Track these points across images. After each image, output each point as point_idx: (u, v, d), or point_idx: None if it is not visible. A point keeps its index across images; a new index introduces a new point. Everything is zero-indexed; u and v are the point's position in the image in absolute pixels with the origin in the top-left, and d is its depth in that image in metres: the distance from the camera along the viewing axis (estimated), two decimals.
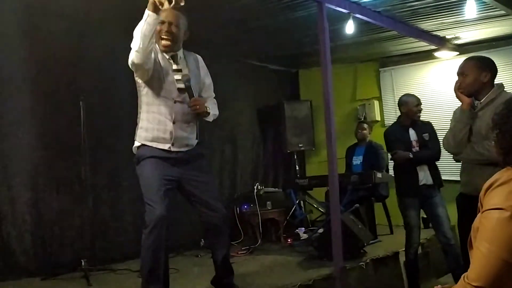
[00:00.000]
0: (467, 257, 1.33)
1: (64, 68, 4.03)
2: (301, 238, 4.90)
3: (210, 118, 2.79)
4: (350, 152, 5.51)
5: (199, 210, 2.78)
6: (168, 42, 2.62)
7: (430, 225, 5.26)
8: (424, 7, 4.05)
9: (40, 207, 3.89)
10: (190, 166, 2.66)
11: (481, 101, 2.52)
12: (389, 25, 4.34)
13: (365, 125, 5.51)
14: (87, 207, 3.96)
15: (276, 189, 5.54)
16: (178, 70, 2.68)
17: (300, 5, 3.90)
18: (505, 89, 2.56)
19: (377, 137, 5.78)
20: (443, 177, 3.93)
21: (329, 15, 3.62)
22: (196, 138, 2.78)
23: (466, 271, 1.22)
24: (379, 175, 4.82)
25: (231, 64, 5.57)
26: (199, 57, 2.87)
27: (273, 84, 6.23)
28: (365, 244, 4.02)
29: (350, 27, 3.99)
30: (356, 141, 5.54)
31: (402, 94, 4.01)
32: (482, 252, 1.14)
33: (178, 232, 4.78)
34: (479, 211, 1.26)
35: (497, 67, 2.68)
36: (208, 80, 2.87)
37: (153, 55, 2.55)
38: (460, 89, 2.57)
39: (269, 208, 5.04)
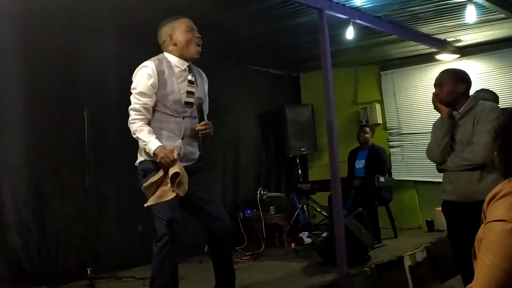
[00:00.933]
0: (465, 266, 1.34)
1: (67, 77, 4.06)
2: (305, 243, 4.90)
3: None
4: (353, 155, 5.52)
5: (204, 220, 2.81)
6: (200, 49, 2.62)
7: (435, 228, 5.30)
8: (424, 12, 4.07)
9: (45, 215, 3.91)
10: (193, 180, 2.60)
11: (460, 110, 2.65)
12: (389, 29, 4.35)
13: (367, 129, 5.51)
14: (92, 216, 3.98)
15: (279, 193, 5.55)
16: (192, 82, 2.66)
17: (301, 11, 3.93)
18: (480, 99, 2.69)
19: (379, 140, 5.80)
20: None
21: (330, 21, 3.64)
22: (199, 151, 2.80)
23: (466, 279, 1.23)
24: (381, 179, 4.83)
25: (233, 69, 5.59)
26: (203, 74, 2.85)
27: (275, 88, 6.25)
28: (369, 249, 4.01)
29: (350, 33, 4.01)
30: (358, 144, 5.55)
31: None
32: (486, 264, 1.15)
33: (182, 238, 4.79)
34: (482, 222, 1.26)
35: (499, 69, 2.78)
36: (207, 97, 2.84)
37: (156, 78, 2.55)
38: (437, 100, 2.70)
39: (272, 213, 5.04)
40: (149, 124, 2.59)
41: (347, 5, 3.78)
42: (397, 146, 5.94)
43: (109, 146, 4.33)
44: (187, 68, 2.62)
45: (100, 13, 3.66)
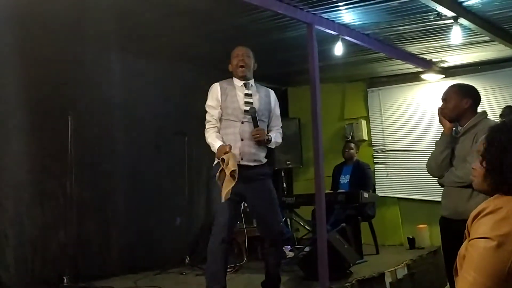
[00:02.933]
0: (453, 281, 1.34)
1: (52, 82, 4.01)
2: (287, 257, 4.87)
3: (272, 145, 3.19)
4: (338, 170, 5.54)
5: (257, 223, 3.38)
6: (243, 69, 3.16)
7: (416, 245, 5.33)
8: (411, 32, 4.14)
9: (23, 222, 3.83)
10: (254, 184, 3.06)
11: (463, 126, 2.61)
12: (377, 47, 4.42)
13: (352, 145, 5.55)
14: (72, 223, 3.91)
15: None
16: (249, 95, 3.16)
17: (290, 25, 3.96)
18: (487, 117, 2.64)
19: (364, 156, 5.84)
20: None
21: (319, 36, 3.68)
22: (266, 157, 3.17)
23: None
24: (365, 194, 4.85)
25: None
26: (271, 91, 3.35)
27: None
28: (351, 264, 4.01)
29: (339, 49, 4.06)
30: (343, 160, 5.58)
31: None
32: (468, 281, 1.15)
33: (163, 249, 4.74)
34: (465, 238, 1.27)
35: (482, 91, 2.76)
36: (277, 111, 3.32)
37: (219, 94, 3.14)
38: (442, 114, 2.67)
39: (255, 225, 5.00)
40: (218, 131, 3.12)
41: (336, 22, 3.83)
42: (382, 163, 5.99)
43: (92, 152, 4.27)
44: (243, 85, 3.18)
45: (89, 19, 3.64)
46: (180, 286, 3.94)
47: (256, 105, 3.12)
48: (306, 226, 5.52)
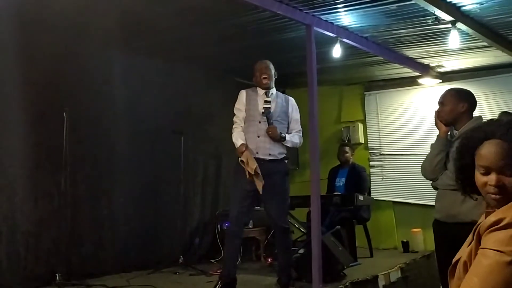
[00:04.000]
0: (447, 285, 1.33)
1: (48, 77, 3.99)
2: None
3: (288, 143, 3.60)
4: (333, 173, 5.54)
5: (266, 214, 3.70)
6: (267, 80, 3.60)
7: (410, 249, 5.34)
8: (409, 35, 4.16)
9: (16, 218, 3.80)
10: (269, 180, 3.41)
11: (459, 130, 2.63)
12: (375, 50, 4.43)
13: (347, 148, 5.53)
14: (65, 220, 3.89)
15: (258, 207, 5.50)
16: (268, 101, 3.60)
17: (289, 27, 3.97)
18: (483, 121, 2.64)
19: (360, 159, 5.84)
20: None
21: (317, 38, 3.69)
22: (283, 154, 3.57)
23: None
24: (361, 197, 4.85)
25: (219, 81, 5.60)
26: (291, 98, 3.77)
27: None
28: (345, 267, 4.01)
29: (337, 51, 4.06)
30: (339, 162, 5.58)
31: None
32: (479, 282, 1.13)
33: (157, 249, 4.72)
34: (470, 242, 1.23)
35: (478, 96, 2.77)
36: (296, 115, 3.72)
37: (244, 99, 3.66)
38: (439, 118, 2.69)
39: (250, 226, 5.00)
40: (242, 130, 3.59)
41: (335, 24, 3.84)
42: (377, 166, 6.00)
43: (87, 150, 4.26)
44: (264, 93, 3.64)
45: (88, 15, 3.63)
46: (173, 286, 3.92)
47: (272, 109, 3.58)
48: (300, 228, 5.51)
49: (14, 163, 3.82)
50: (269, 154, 3.51)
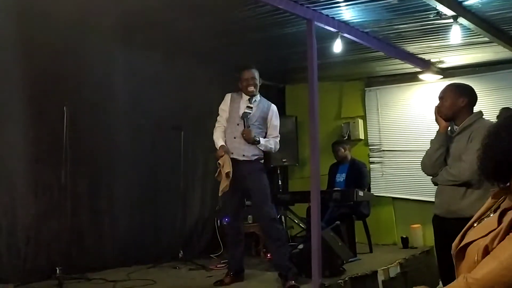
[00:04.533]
0: (447, 280, 1.32)
1: (49, 72, 3.98)
2: None
3: (261, 147, 3.73)
4: (333, 169, 5.54)
5: (252, 209, 4.02)
6: (252, 89, 3.79)
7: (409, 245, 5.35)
8: (410, 30, 4.14)
9: (16, 211, 3.80)
10: (249, 178, 3.67)
11: (459, 126, 2.62)
12: (376, 46, 4.41)
13: (339, 146, 5.49)
14: (66, 214, 3.89)
15: (249, 202, 5.51)
16: (250, 107, 3.78)
17: (290, 21, 3.95)
18: (483, 117, 2.64)
19: (360, 155, 5.84)
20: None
21: (318, 33, 3.67)
22: (256, 156, 3.72)
23: None
24: (360, 193, 4.85)
25: (219, 76, 5.58)
26: (273, 106, 3.92)
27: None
28: (344, 262, 4.01)
29: (338, 46, 4.05)
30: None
31: None
32: (495, 264, 1.12)
33: (157, 243, 4.73)
34: (493, 229, 1.21)
35: (479, 92, 2.77)
36: (275, 122, 3.86)
37: (229, 101, 3.85)
38: (439, 113, 2.68)
39: (250, 222, 5.00)
40: (224, 130, 3.80)
41: (336, 18, 3.82)
42: (377, 162, 6.00)
43: (87, 144, 4.25)
44: (248, 100, 3.81)
45: (88, 10, 3.62)
46: (173, 280, 3.93)
47: (253, 114, 3.74)
48: (300, 224, 5.52)
49: (14, 157, 3.82)
50: (243, 155, 3.69)
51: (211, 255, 4.96)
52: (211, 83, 5.48)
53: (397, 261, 4.45)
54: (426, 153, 2.73)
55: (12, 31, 3.79)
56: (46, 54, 3.95)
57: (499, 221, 1.21)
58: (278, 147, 3.85)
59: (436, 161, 2.62)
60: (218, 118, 3.87)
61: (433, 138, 2.73)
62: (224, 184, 3.54)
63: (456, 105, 2.61)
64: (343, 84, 6.22)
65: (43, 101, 3.95)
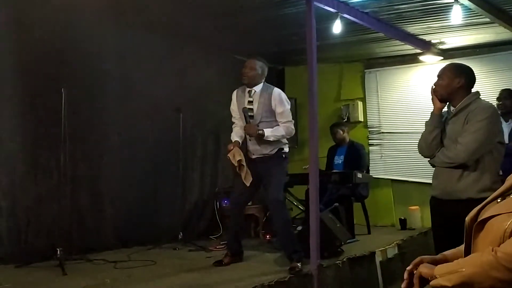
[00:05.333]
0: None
1: (46, 55, 3.94)
2: None
3: (269, 138, 3.63)
4: (332, 151, 5.54)
5: (264, 194, 3.88)
6: (244, 77, 3.70)
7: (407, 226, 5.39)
8: (411, 11, 4.10)
9: (16, 194, 3.82)
10: (262, 166, 3.66)
11: (456, 107, 2.58)
12: (376, 26, 4.37)
13: (337, 129, 5.47)
14: (65, 196, 3.91)
15: None
16: (250, 102, 3.73)
17: (289, 1, 3.91)
18: (480, 97, 2.61)
19: (360, 137, 5.84)
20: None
21: (317, 14, 3.63)
22: (275, 149, 3.68)
23: None
24: (359, 175, 4.87)
25: (218, 57, 5.55)
26: (275, 91, 3.74)
27: None
28: (343, 243, 4.05)
29: (337, 27, 4.01)
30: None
31: None
32: None
33: (157, 224, 4.77)
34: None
35: (479, 73, 2.73)
36: (279, 109, 3.69)
37: (235, 99, 3.83)
38: (434, 93, 2.63)
39: (249, 204, 5.02)
40: (240, 128, 3.78)
41: None
42: (377, 144, 6.01)
43: (86, 126, 4.25)
44: (248, 92, 3.76)
45: None
46: (173, 261, 3.97)
47: (255, 111, 3.69)
48: (299, 206, 5.55)
49: (13, 139, 3.82)
50: (263, 154, 3.69)
51: (211, 237, 5.01)
52: (210, 65, 5.45)
53: (395, 242, 4.49)
54: (422, 135, 2.71)
55: (8, 13, 3.75)
56: (43, 36, 3.91)
57: None
58: (291, 131, 3.71)
59: (432, 142, 2.60)
60: (232, 119, 3.89)
61: (427, 120, 2.71)
62: (243, 174, 3.57)
63: (452, 86, 2.55)
64: (343, 66, 6.19)
65: (41, 83, 3.93)
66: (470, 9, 3.84)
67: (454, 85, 2.56)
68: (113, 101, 4.55)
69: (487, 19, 4.15)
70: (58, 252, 3.56)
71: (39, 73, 3.91)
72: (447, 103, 2.64)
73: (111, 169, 4.52)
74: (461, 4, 3.64)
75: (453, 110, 2.61)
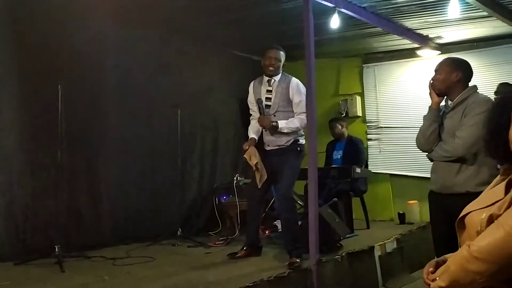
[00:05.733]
0: (442, 255, 1.33)
1: (43, 50, 3.92)
2: (279, 230, 4.90)
3: (283, 130, 3.65)
4: (331, 146, 5.54)
5: (274, 189, 3.93)
6: (272, 70, 3.72)
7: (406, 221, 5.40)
8: (408, 5, 4.09)
9: (14, 191, 3.81)
10: (277, 159, 3.68)
11: (453, 101, 2.59)
12: (374, 21, 4.36)
13: (336, 123, 5.48)
14: (63, 193, 3.90)
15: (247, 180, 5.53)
16: (269, 91, 3.75)
17: None
18: (477, 91, 2.61)
19: (358, 132, 5.84)
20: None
21: (315, 9, 3.61)
22: (290, 141, 3.68)
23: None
24: (358, 170, 4.87)
25: (216, 54, 5.53)
26: (293, 80, 3.75)
27: (257, 75, 6.18)
28: (342, 238, 4.05)
29: (335, 22, 3.99)
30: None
31: None
32: (500, 232, 1.11)
33: (156, 221, 4.76)
34: (499, 199, 1.20)
35: (477, 67, 2.73)
36: (296, 99, 3.69)
37: (252, 91, 3.84)
38: (432, 87, 2.64)
39: (245, 200, 5.02)
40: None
41: None
42: (375, 139, 6.00)
43: (83, 122, 4.23)
44: (267, 82, 3.78)
45: None
46: (172, 257, 3.97)
47: (272, 100, 3.70)
48: (298, 201, 5.54)
49: (10, 136, 3.81)
50: (277, 146, 3.70)
51: (210, 233, 5.01)
52: (208, 61, 5.43)
53: (393, 237, 4.50)
54: (419, 129, 2.71)
55: (5, 9, 3.72)
56: (40, 32, 3.89)
57: (507, 191, 1.21)
58: (306, 123, 3.67)
59: (430, 137, 2.61)
60: (250, 111, 3.90)
61: (425, 114, 2.71)
62: (258, 176, 3.64)
63: (449, 79, 2.57)
64: (341, 61, 6.17)
65: (37, 79, 3.91)
66: (467, 3, 3.83)
67: (452, 79, 2.57)
68: (110, 97, 4.53)
69: (485, 13, 4.14)
70: (56, 249, 3.56)
71: (35, 69, 3.90)
72: (445, 97, 2.64)
73: (109, 166, 4.51)
74: None
75: (450, 104, 2.62)
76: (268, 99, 3.72)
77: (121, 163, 4.58)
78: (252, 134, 3.77)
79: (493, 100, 2.47)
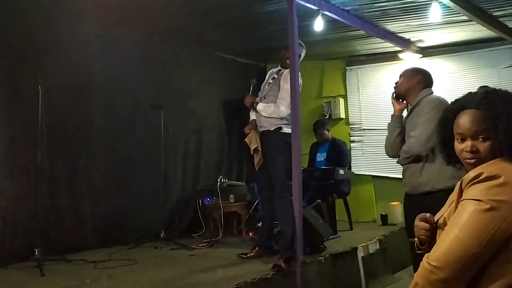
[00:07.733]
0: (418, 258, 1.34)
1: (21, 50, 3.85)
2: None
3: (261, 112, 3.79)
4: (314, 148, 5.56)
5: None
6: (289, 62, 3.68)
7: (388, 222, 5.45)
8: (391, 8, 4.14)
9: None
10: (267, 153, 3.77)
11: (412, 104, 2.70)
12: (357, 24, 4.40)
13: (324, 130, 5.48)
14: (43, 195, 3.83)
15: (240, 182, 5.52)
16: (274, 78, 3.90)
17: None
18: (432, 94, 2.69)
19: (341, 134, 5.88)
20: None
21: (299, 11, 3.63)
22: (275, 126, 3.75)
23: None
24: (341, 171, 4.90)
25: (200, 55, 5.51)
26: (286, 71, 3.80)
27: (241, 77, 6.19)
28: (325, 239, 4.07)
29: (319, 24, 4.02)
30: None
31: None
32: (450, 237, 1.17)
33: (138, 223, 4.71)
34: (451, 203, 1.26)
35: (458, 71, 2.82)
36: (282, 84, 3.77)
37: (266, 78, 4.07)
38: (395, 89, 2.77)
39: (231, 201, 5.02)
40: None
41: None
42: (358, 141, 6.05)
43: (64, 124, 4.17)
44: (277, 71, 3.94)
45: None
46: (155, 260, 3.93)
47: (266, 86, 3.91)
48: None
49: None
50: (261, 127, 3.82)
51: (193, 235, 4.98)
52: (191, 62, 5.41)
53: (376, 238, 4.53)
54: (386, 138, 2.80)
55: None
56: (19, 32, 3.82)
57: (460, 191, 1.25)
58: (279, 112, 3.70)
59: (394, 143, 2.71)
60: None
61: (389, 122, 2.79)
62: (256, 159, 3.76)
63: (409, 82, 2.69)
64: (324, 64, 6.21)
65: (17, 80, 3.84)
66: (448, 7, 3.89)
67: (412, 81, 2.69)
68: (92, 98, 4.47)
69: (465, 17, 4.22)
70: (36, 252, 3.49)
71: (14, 69, 3.82)
72: (408, 105, 2.73)
73: (90, 168, 4.44)
74: (440, 2, 3.69)
75: (408, 109, 2.71)
76: (269, 84, 3.91)
77: (102, 164, 4.52)
78: (253, 116, 3.90)
79: (442, 101, 2.57)
